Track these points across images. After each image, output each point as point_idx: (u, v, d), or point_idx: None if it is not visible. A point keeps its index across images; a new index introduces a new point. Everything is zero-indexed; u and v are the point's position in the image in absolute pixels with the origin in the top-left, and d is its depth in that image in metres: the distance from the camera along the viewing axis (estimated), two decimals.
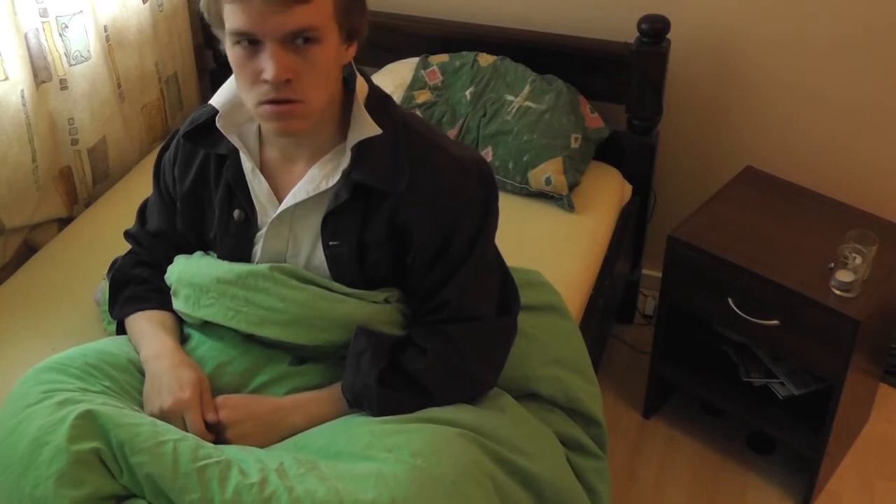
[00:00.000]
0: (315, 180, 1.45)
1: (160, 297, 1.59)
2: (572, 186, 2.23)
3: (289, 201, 1.47)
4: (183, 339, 1.57)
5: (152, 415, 1.41)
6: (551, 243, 2.11)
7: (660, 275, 2.24)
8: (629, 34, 2.28)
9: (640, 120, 2.35)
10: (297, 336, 1.48)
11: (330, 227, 1.46)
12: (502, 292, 1.55)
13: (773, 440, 2.30)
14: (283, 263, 1.50)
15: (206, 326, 1.55)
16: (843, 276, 1.93)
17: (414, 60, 2.42)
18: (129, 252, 1.68)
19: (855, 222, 2.08)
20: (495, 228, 1.54)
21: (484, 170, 1.50)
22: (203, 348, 1.53)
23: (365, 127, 1.42)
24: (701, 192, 2.38)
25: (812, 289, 1.95)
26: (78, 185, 2.27)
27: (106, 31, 2.26)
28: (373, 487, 1.26)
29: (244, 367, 1.51)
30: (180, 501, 1.25)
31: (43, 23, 2.06)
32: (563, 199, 2.22)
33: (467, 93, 2.33)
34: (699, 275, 2.11)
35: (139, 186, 2.17)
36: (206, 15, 1.37)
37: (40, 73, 2.09)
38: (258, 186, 1.49)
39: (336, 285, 1.49)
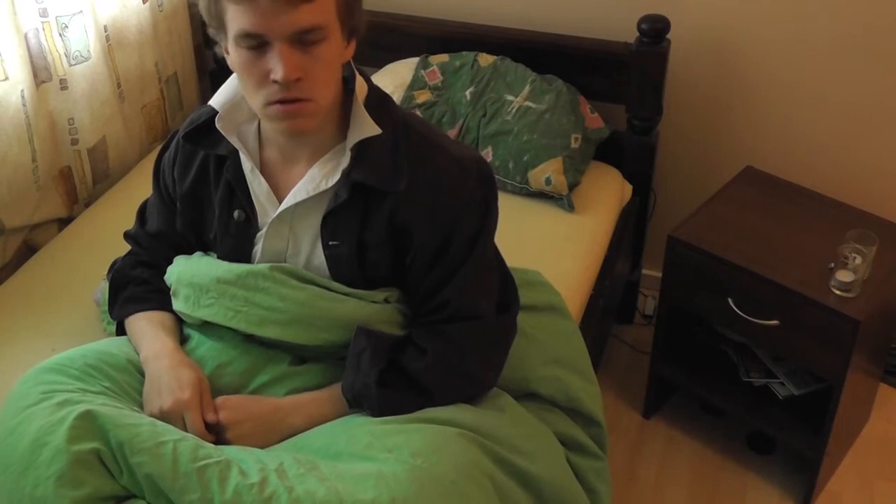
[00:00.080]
0: (315, 180, 1.45)
1: (160, 298, 1.59)
2: (572, 186, 2.23)
3: (289, 201, 1.47)
4: (183, 340, 1.57)
5: (152, 415, 1.41)
6: (551, 243, 2.11)
7: (660, 275, 2.24)
8: (629, 34, 2.28)
9: (640, 120, 2.35)
10: (297, 336, 1.48)
11: (330, 227, 1.46)
12: (502, 292, 1.55)
13: (773, 440, 2.30)
14: (283, 263, 1.50)
15: (206, 327, 1.55)
16: (843, 276, 1.93)
17: (414, 60, 2.42)
18: (129, 253, 1.68)
19: (855, 222, 2.08)
20: (495, 228, 1.54)
21: (484, 169, 1.50)
22: (203, 349, 1.53)
23: (365, 127, 1.42)
24: (701, 192, 2.38)
25: (812, 289, 1.95)
26: (78, 185, 2.27)
27: (106, 31, 2.26)
28: (373, 487, 1.26)
29: (244, 368, 1.51)
30: (180, 502, 1.25)
31: (43, 23, 2.06)
32: (563, 199, 2.22)
33: (467, 93, 2.33)
34: (699, 275, 2.11)
35: (139, 186, 2.17)
36: (206, 18, 1.37)
37: (40, 73, 2.09)
38: (258, 187, 1.49)
39: (336, 285, 1.49)
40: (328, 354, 1.52)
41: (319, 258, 1.49)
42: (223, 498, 1.24)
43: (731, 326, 2.18)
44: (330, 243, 1.47)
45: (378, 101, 1.47)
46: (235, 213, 1.51)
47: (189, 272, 1.54)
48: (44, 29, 2.06)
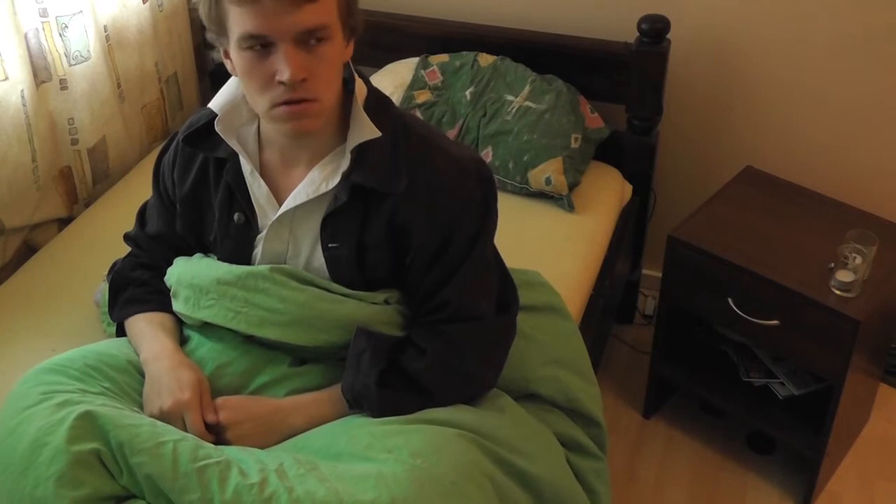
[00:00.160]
0: (315, 182, 1.45)
1: (160, 299, 1.59)
2: (572, 186, 2.23)
3: (289, 204, 1.47)
4: (183, 341, 1.57)
5: (152, 416, 1.41)
6: (551, 243, 2.11)
7: (660, 275, 2.24)
8: (629, 34, 2.28)
9: (640, 120, 2.35)
10: (297, 337, 1.48)
11: (329, 229, 1.46)
12: (501, 292, 1.55)
13: (773, 440, 2.30)
14: (282, 265, 1.50)
15: (206, 328, 1.55)
16: (843, 276, 1.93)
17: (414, 60, 2.42)
18: (129, 254, 1.68)
19: (855, 222, 2.08)
20: (494, 228, 1.54)
21: (483, 170, 1.50)
22: (203, 349, 1.53)
23: (364, 129, 1.42)
24: (701, 192, 2.38)
25: (812, 289, 1.95)
26: (78, 185, 2.27)
27: (106, 31, 2.26)
28: (373, 488, 1.26)
29: (244, 369, 1.51)
30: (180, 502, 1.25)
31: (43, 23, 2.06)
32: (563, 199, 2.22)
33: (467, 93, 2.33)
34: (699, 275, 2.11)
35: (139, 186, 2.17)
36: (206, 22, 1.37)
37: (40, 73, 2.09)
38: (258, 189, 1.49)
39: (336, 286, 1.49)
40: (328, 355, 1.52)
41: (319, 260, 1.49)
42: (223, 498, 1.24)
43: (731, 326, 2.18)
44: (329, 245, 1.47)
45: (377, 103, 1.47)
46: (235, 216, 1.51)
47: (189, 273, 1.54)
48: (44, 29, 2.06)
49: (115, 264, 1.69)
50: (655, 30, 2.22)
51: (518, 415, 1.53)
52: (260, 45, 1.30)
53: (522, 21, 2.45)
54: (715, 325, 2.30)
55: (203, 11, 1.36)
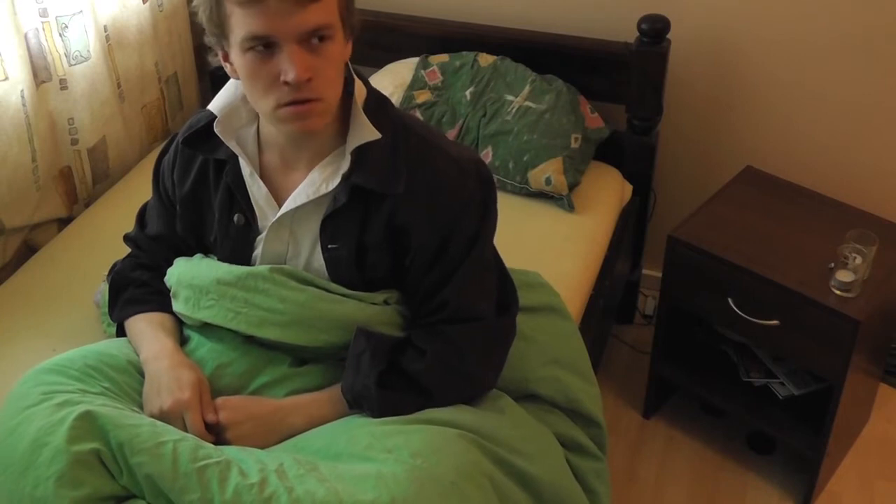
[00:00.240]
0: (315, 184, 1.45)
1: (160, 300, 1.59)
2: (572, 186, 2.23)
3: (289, 205, 1.47)
4: (183, 341, 1.57)
5: (152, 416, 1.41)
6: (551, 243, 2.11)
7: (660, 275, 2.24)
8: (629, 34, 2.28)
9: (640, 120, 2.35)
10: (297, 337, 1.48)
11: (329, 231, 1.46)
12: (501, 292, 1.55)
13: (773, 440, 2.30)
14: (282, 265, 1.50)
15: (206, 328, 1.55)
16: (843, 276, 1.93)
17: (414, 60, 2.42)
18: (129, 255, 1.68)
19: (855, 222, 2.08)
20: (494, 229, 1.54)
21: (482, 170, 1.50)
22: (203, 350, 1.53)
23: (364, 131, 1.42)
24: (701, 192, 2.38)
25: (812, 289, 1.95)
26: (78, 185, 2.27)
27: (106, 31, 2.26)
28: (372, 488, 1.26)
29: (244, 369, 1.51)
30: (180, 502, 1.25)
31: (43, 23, 2.06)
32: (563, 199, 2.22)
33: (467, 93, 2.33)
34: (699, 275, 2.11)
35: (139, 186, 2.17)
36: (206, 25, 1.36)
37: (40, 73, 2.09)
38: (257, 191, 1.49)
39: (335, 287, 1.49)
40: (328, 356, 1.52)
41: (319, 261, 1.49)
42: (223, 498, 1.24)
43: (731, 326, 2.18)
44: (329, 246, 1.47)
45: (377, 104, 1.47)
46: (235, 217, 1.51)
47: (189, 274, 1.54)
48: (44, 29, 2.06)
49: (115, 265, 1.69)
50: (655, 30, 2.22)
51: (518, 415, 1.53)
52: (263, 45, 1.30)
53: (522, 21, 2.45)
54: (715, 325, 2.30)
55: (203, 14, 1.36)
